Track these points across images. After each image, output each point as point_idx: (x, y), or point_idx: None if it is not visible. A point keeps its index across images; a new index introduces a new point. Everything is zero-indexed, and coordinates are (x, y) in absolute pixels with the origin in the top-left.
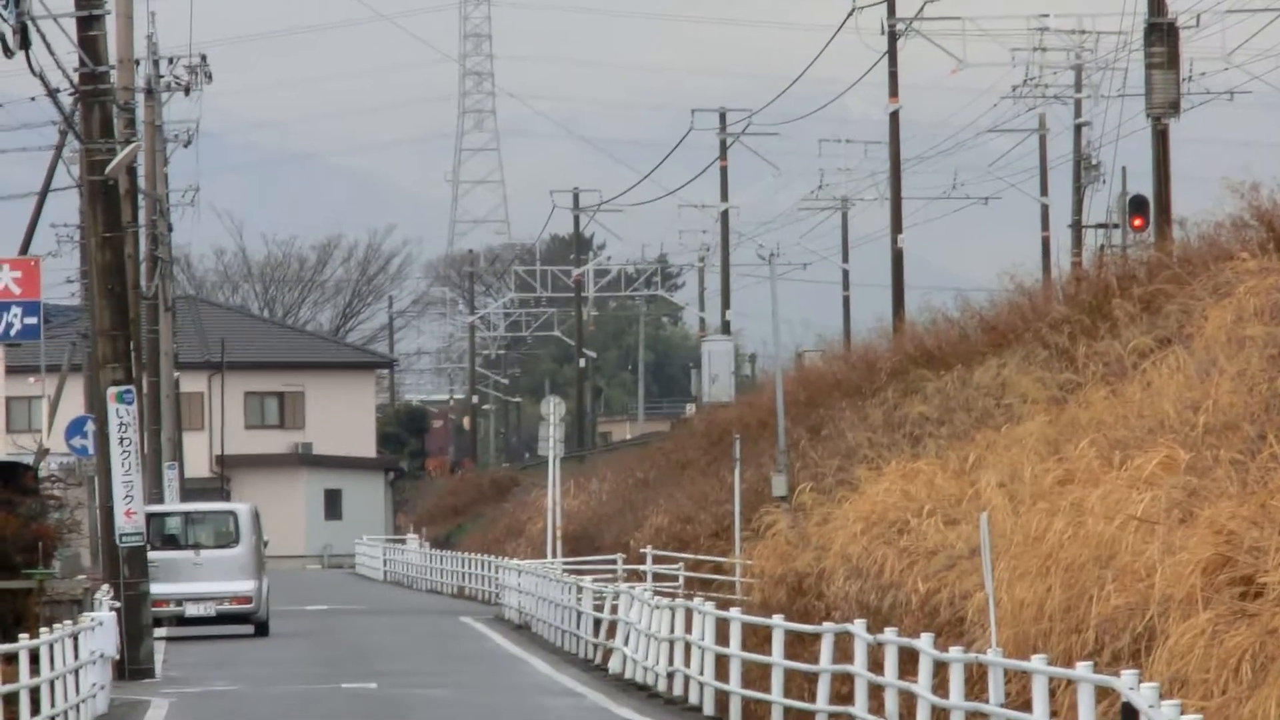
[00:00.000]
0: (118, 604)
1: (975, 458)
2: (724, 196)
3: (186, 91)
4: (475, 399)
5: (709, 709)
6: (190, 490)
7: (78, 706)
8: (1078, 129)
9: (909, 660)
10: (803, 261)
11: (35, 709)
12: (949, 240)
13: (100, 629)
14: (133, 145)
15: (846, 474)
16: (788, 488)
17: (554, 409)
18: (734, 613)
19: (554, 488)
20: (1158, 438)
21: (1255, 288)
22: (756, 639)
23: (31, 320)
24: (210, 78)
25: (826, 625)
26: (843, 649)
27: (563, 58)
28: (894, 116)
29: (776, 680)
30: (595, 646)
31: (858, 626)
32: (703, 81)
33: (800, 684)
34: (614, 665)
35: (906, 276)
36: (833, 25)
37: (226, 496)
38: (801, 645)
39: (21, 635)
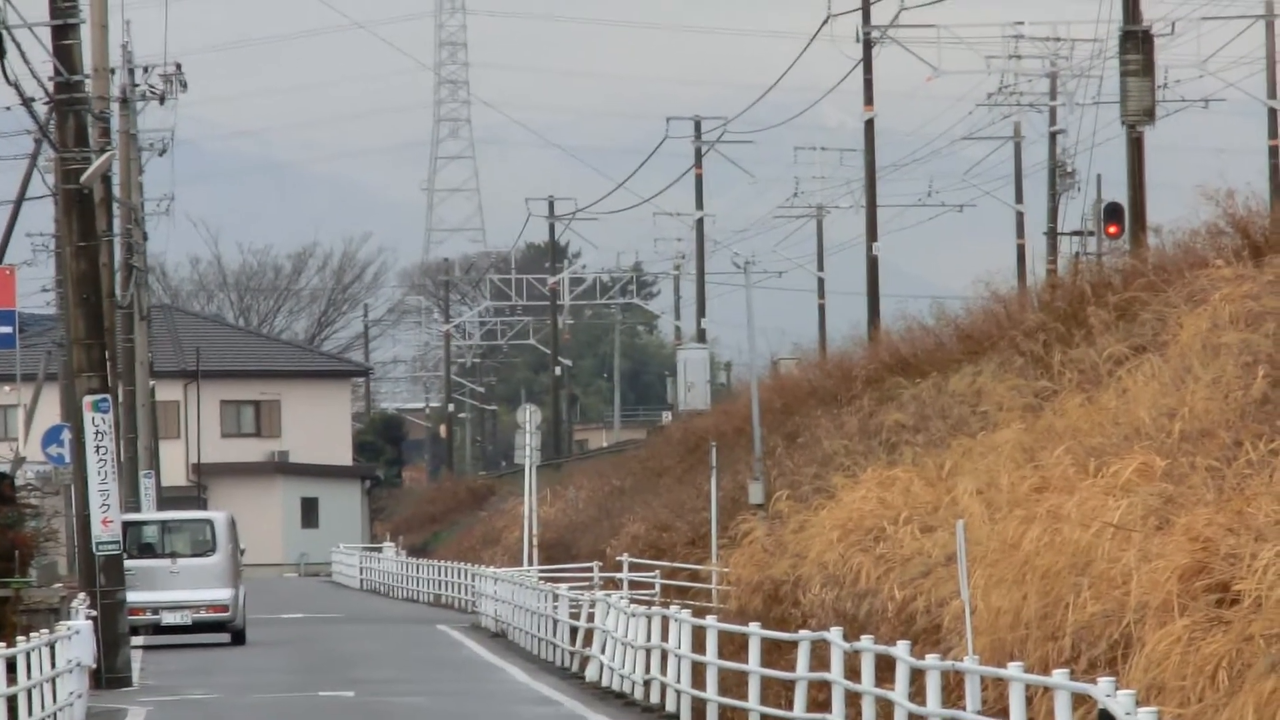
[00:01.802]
0: (94, 612)
1: (951, 465)
2: (699, 204)
3: (161, 100)
4: (451, 407)
5: (686, 716)
6: (167, 499)
7: (55, 715)
8: (1053, 136)
9: (886, 668)
10: (778, 269)
11: (13, 717)
12: (925, 248)
13: (77, 637)
14: (107, 154)
15: (823, 481)
16: (764, 495)
17: (530, 417)
18: (710, 620)
19: (530, 496)
20: (1133, 445)
21: (1230, 294)
22: (733, 646)
23: (6, 329)
24: (185, 86)
25: (803, 633)
26: (819, 656)
27: (538, 66)
28: (869, 124)
29: (753, 688)
30: (572, 654)
31: (834, 634)
32: (679, 89)
33: (777, 691)
34: (591, 673)
35: (882, 284)
36: (809, 34)
37: (203, 505)
38: (778, 653)
39: None
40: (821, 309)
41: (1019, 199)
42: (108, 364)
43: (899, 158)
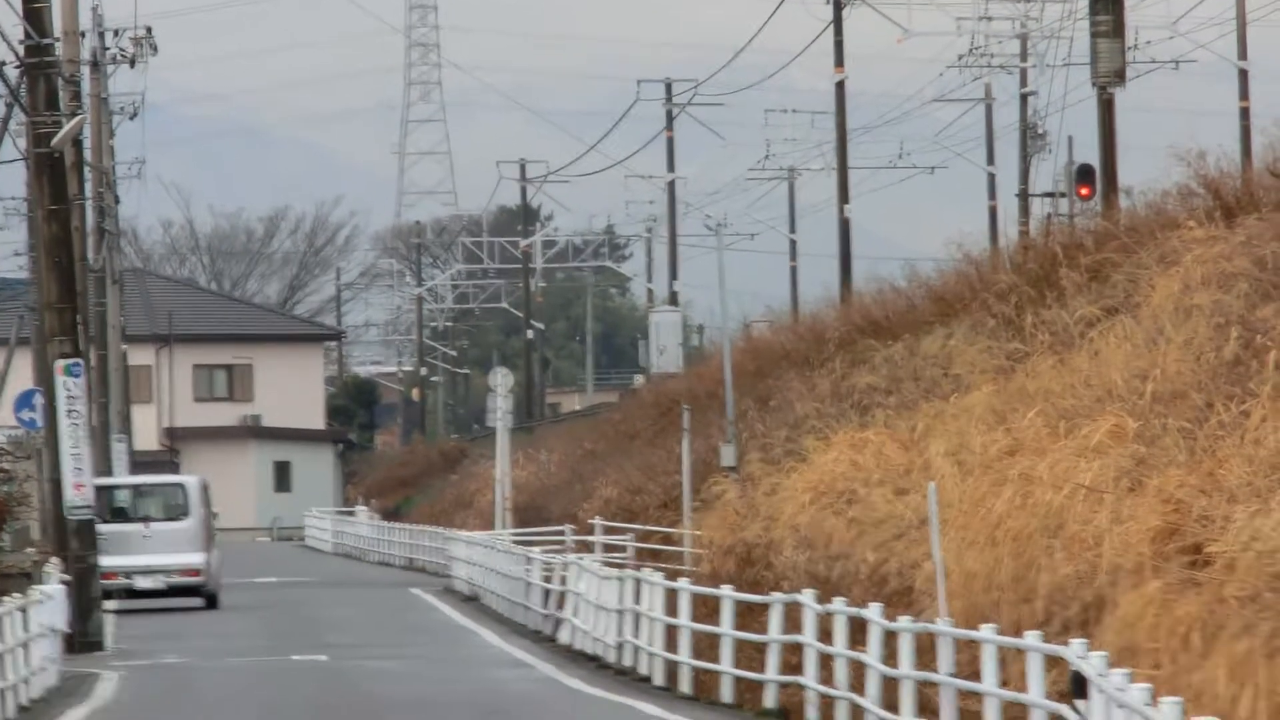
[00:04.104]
0: (67, 577)
1: (923, 427)
2: (670, 167)
3: (132, 64)
4: (423, 371)
5: (659, 679)
6: (139, 463)
7: (28, 679)
8: (1024, 98)
9: (858, 630)
10: (750, 232)
11: None
12: (896, 210)
13: (50, 602)
14: (78, 118)
15: (795, 444)
16: (736, 458)
17: (502, 380)
18: (683, 583)
19: (502, 459)
20: (1105, 407)
21: (1202, 256)
22: (706, 609)
23: None
24: (156, 50)
25: (775, 595)
26: (792, 619)
27: (509, 29)
28: (840, 86)
29: (726, 650)
30: (545, 618)
31: (807, 596)
32: (651, 52)
33: (750, 654)
34: (563, 636)
35: (854, 246)
36: None
37: (175, 469)
38: (751, 615)
39: None
40: (794, 271)
41: (990, 161)
42: (80, 328)
43: (870, 120)
